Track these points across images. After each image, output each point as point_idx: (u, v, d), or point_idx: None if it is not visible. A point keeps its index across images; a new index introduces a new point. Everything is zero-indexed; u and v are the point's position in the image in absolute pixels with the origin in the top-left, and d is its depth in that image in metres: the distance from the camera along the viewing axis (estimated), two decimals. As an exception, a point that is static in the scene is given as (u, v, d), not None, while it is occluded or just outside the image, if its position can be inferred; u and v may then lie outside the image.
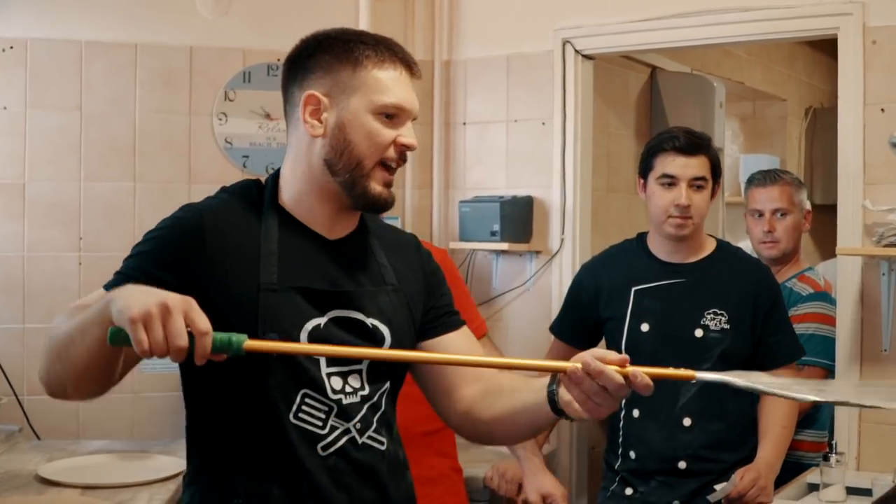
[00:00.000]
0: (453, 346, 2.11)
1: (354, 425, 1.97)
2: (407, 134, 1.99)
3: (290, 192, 2.02)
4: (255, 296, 1.87)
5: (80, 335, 1.74)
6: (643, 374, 1.71)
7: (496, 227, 4.24)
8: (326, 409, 1.94)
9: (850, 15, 3.68)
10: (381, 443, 2.02)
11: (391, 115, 1.97)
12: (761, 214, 4.01)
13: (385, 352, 1.97)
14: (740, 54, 5.89)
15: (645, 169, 3.33)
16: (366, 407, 1.99)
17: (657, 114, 4.99)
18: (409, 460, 2.82)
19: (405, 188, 4.53)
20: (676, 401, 3.24)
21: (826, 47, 6.86)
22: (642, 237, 3.47)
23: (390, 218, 3.80)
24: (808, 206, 4.09)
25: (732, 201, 5.69)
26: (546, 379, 1.88)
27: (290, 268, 1.95)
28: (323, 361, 1.94)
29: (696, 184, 3.25)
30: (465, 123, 4.56)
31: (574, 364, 1.74)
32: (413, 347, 2.09)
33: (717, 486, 3.16)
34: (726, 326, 3.25)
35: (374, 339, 1.99)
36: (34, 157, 4.01)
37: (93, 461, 3.46)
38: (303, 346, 1.88)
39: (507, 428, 2.02)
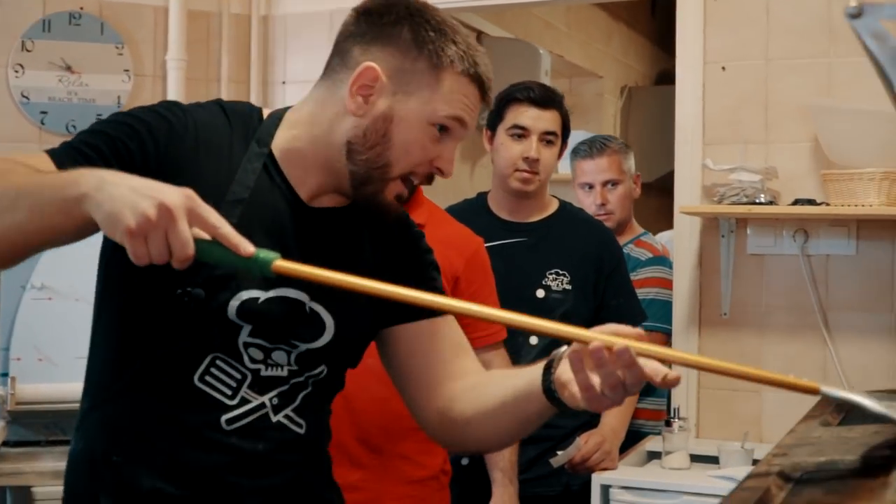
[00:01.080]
0: (433, 333, 1.79)
1: (271, 400, 1.67)
2: (448, 157, 1.69)
3: (290, 143, 1.71)
4: None
5: (29, 212, 1.43)
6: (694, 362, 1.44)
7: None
8: (239, 377, 1.64)
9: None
10: (300, 426, 1.72)
11: (445, 130, 1.67)
12: (592, 187, 3.90)
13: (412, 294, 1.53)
14: (561, 27, 5.81)
15: (494, 120, 3.17)
16: (291, 383, 1.69)
17: (482, 80, 4.82)
18: (405, 458, 2.57)
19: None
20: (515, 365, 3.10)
21: (641, 27, 6.90)
22: (482, 196, 3.33)
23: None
24: (634, 170, 4.01)
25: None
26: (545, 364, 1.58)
27: (252, 224, 1.62)
28: (244, 331, 1.64)
29: (546, 138, 3.12)
30: (284, 83, 4.30)
31: (604, 338, 1.41)
32: (370, 338, 1.80)
33: (560, 451, 3.04)
34: (568, 287, 3.14)
35: (312, 325, 1.69)
36: None
37: None
38: (342, 277, 1.49)
39: (488, 425, 1.71)
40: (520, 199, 3.19)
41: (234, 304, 1.61)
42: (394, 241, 1.82)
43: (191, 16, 4.06)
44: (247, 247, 1.42)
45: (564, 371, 1.51)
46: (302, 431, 1.72)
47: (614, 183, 3.86)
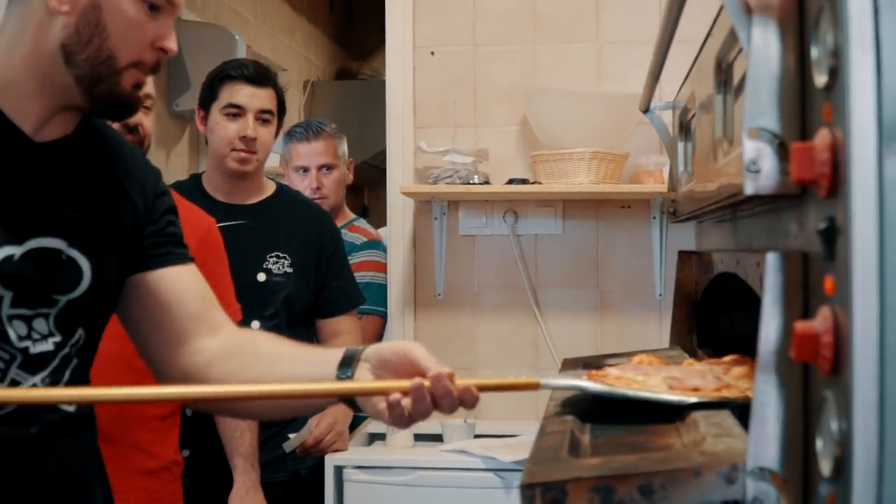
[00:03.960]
0: (180, 282, 1.70)
1: (43, 380, 1.53)
2: (170, 35, 1.56)
3: (1, 76, 1.53)
4: None
5: None
6: (475, 388, 1.49)
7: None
8: (7, 357, 1.48)
9: (397, -45, 3.62)
10: (69, 403, 1.59)
11: (156, 7, 1.53)
12: (307, 170, 3.86)
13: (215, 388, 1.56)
14: (248, 17, 5.72)
15: (208, 99, 3.07)
16: (59, 357, 1.55)
17: (176, 65, 4.67)
18: (138, 448, 2.43)
19: None
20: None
21: (321, 22, 6.91)
22: (196, 178, 3.24)
23: None
24: (347, 156, 4.01)
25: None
26: (330, 352, 1.57)
27: None
28: (6, 301, 1.48)
29: (262, 117, 3.06)
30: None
31: (419, 381, 1.44)
32: (122, 282, 1.66)
33: (291, 435, 2.98)
34: (289, 270, 3.10)
35: (70, 273, 1.55)
36: None
37: None
38: (81, 391, 1.47)
39: (262, 405, 1.65)
40: (237, 181, 3.11)
41: None
42: (131, 175, 1.69)
43: None
44: None
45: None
46: (72, 409, 1.59)
47: (329, 167, 3.83)
